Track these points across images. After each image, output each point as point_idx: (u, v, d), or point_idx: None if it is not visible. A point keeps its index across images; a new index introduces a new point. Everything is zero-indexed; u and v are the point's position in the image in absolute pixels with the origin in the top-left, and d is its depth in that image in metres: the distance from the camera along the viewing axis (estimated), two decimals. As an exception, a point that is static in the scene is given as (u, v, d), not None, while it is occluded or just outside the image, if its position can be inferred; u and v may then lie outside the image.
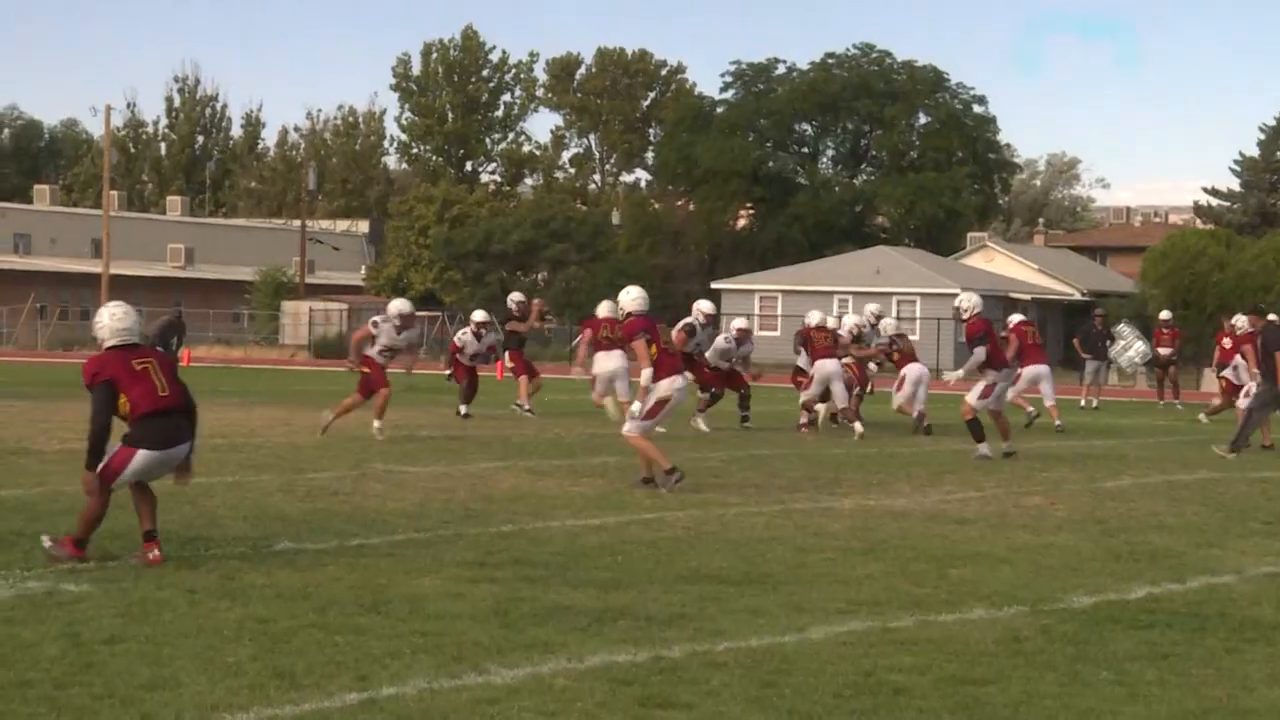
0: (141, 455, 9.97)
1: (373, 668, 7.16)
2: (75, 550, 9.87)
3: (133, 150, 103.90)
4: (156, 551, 9.91)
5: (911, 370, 23.65)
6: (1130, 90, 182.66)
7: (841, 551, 11.12)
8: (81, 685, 6.73)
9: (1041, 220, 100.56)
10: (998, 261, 73.72)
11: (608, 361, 21.14)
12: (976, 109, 79.73)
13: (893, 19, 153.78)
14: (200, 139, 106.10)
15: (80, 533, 9.95)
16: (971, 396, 19.11)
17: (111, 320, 10.24)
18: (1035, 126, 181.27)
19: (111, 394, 9.91)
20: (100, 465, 9.94)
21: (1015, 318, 23.67)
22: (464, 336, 25.41)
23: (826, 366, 22.60)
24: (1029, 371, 23.83)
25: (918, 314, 60.88)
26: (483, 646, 7.65)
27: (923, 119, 79.52)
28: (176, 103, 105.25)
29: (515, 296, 27.13)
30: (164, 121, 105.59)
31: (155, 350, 10.63)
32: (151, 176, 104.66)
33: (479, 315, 25.56)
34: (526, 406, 25.03)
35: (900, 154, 79.10)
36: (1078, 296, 67.61)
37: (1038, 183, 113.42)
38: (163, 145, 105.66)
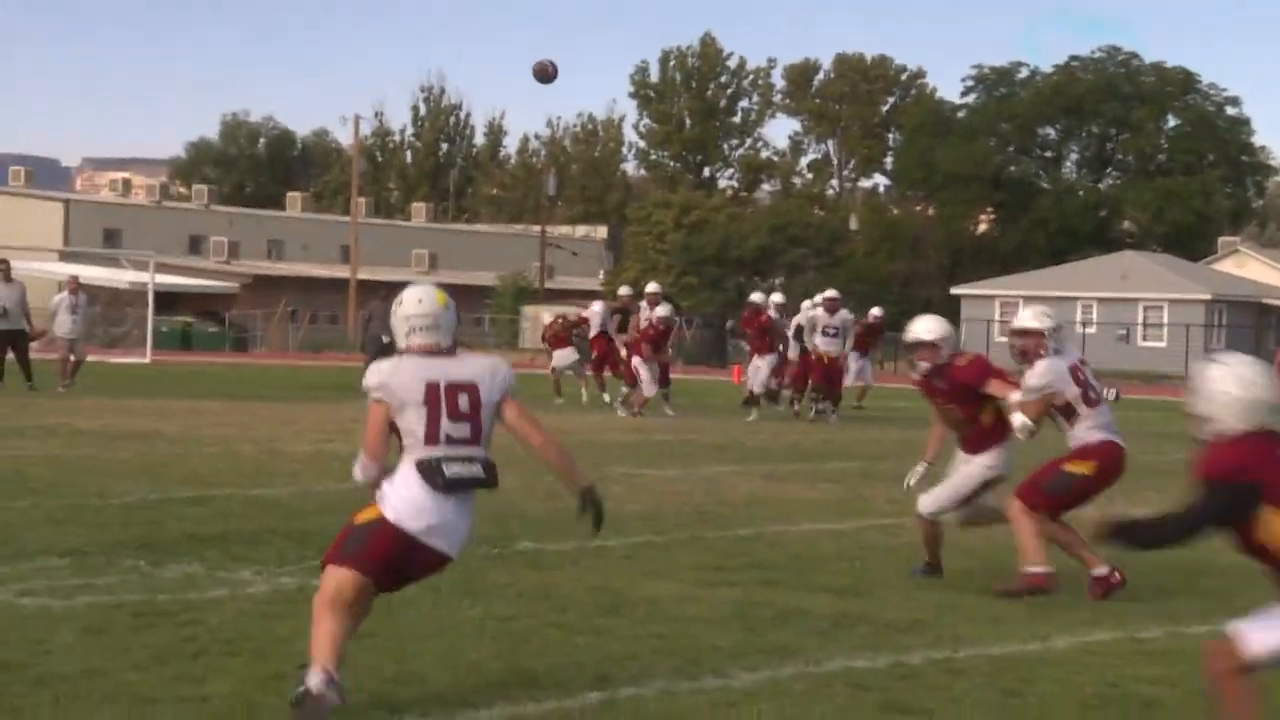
0: None
1: (612, 668, 7.21)
2: None
3: (380, 158, 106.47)
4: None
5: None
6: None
7: (1086, 561, 10.86)
8: (331, 678, 6.87)
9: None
10: (1250, 267, 71.56)
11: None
12: (1230, 110, 77.53)
13: (1146, 19, 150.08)
14: (444, 147, 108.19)
15: None
16: None
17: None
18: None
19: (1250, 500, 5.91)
20: None
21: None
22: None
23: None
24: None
25: (1165, 320, 59.35)
26: (721, 650, 7.65)
27: (1172, 121, 77.58)
28: (422, 112, 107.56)
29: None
30: (410, 130, 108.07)
31: None
32: (397, 184, 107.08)
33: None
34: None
35: (1148, 157, 77.28)
36: (1336, 303, 65.24)
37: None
38: (408, 153, 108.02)
